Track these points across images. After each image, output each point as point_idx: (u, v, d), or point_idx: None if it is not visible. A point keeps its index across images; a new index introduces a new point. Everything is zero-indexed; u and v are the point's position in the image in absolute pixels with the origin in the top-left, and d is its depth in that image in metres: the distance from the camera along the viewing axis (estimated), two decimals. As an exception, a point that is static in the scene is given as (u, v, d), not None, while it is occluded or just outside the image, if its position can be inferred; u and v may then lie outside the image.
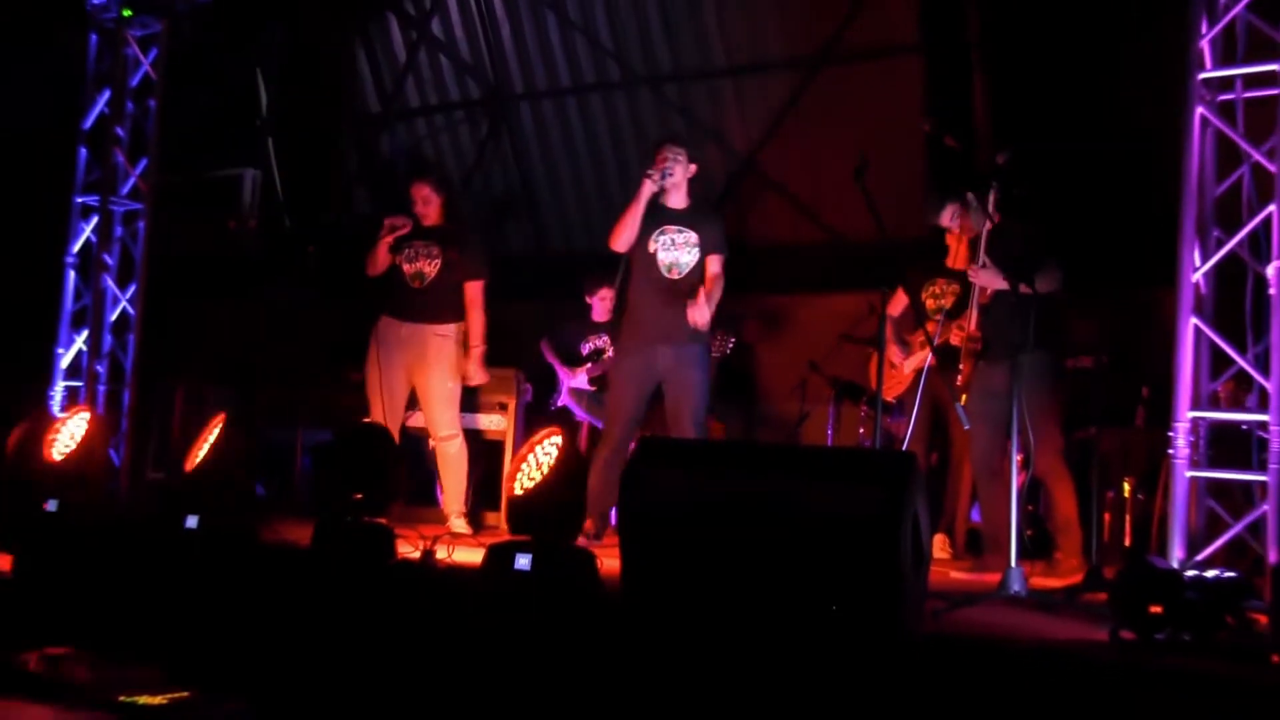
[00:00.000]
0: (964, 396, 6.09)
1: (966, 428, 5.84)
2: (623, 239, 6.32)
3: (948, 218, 6.37)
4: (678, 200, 6.43)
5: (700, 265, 6.35)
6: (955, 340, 6.22)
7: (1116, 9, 7.89)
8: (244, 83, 11.47)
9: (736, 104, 9.69)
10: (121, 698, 3.39)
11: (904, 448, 6.49)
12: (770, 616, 3.94)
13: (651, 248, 6.34)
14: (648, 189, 6.25)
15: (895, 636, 3.83)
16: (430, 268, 6.97)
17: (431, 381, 6.91)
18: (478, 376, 7.02)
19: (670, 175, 6.31)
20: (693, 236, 6.34)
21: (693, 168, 6.46)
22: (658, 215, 6.36)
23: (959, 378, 6.13)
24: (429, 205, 7.04)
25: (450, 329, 6.94)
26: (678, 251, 6.33)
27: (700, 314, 6.18)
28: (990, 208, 5.78)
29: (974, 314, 6.01)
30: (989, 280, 5.87)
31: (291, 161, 11.63)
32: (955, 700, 3.62)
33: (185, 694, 3.49)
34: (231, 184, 10.28)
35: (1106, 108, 7.96)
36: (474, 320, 6.97)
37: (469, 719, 4.27)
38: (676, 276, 6.32)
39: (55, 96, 9.00)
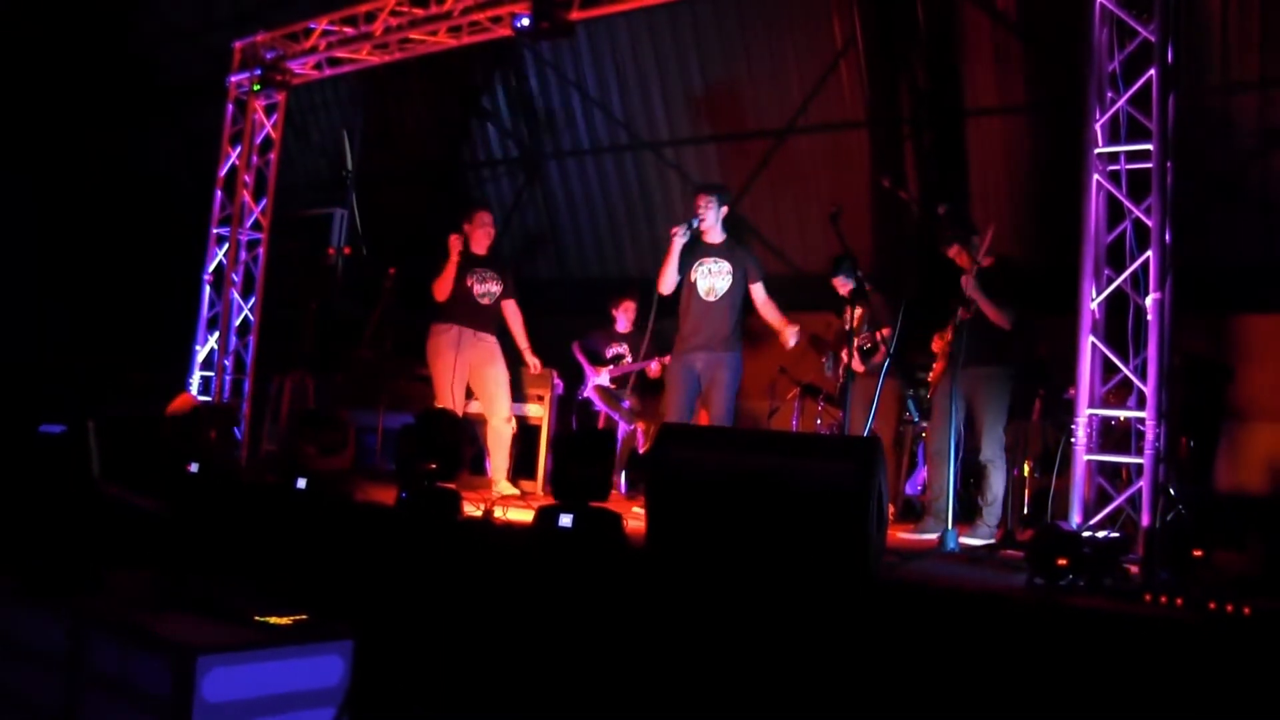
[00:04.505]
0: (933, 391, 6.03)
1: (916, 420, 5.79)
2: (664, 283, 6.23)
3: (954, 251, 6.09)
4: (714, 237, 6.30)
5: (733, 288, 6.18)
6: (935, 347, 6.15)
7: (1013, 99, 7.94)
8: (335, 143, 11.42)
9: (719, 164, 9.64)
10: (257, 617, 3.36)
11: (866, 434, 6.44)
12: (765, 564, 3.94)
13: (693, 276, 6.23)
14: (676, 242, 6.16)
15: (862, 581, 3.84)
16: (497, 289, 6.96)
17: (499, 376, 6.89)
18: (535, 366, 7.12)
19: (701, 220, 6.22)
20: (726, 265, 6.21)
21: (724, 210, 6.33)
22: (698, 250, 6.26)
23: (930, 375, 6.07)
24: (487, 231, 6.96)
25: (514, 345, 7.03)
26: (714, 278, 6.20)
27: (792, 335, 6.18)
28: (981, 253, 5.73)
29: (951, 328, 5.91)
30: (973, 290, 5.75)
31: (369, 204, 11.58)
32: (910, 630, 3.63)
33: (303, 615, 3.45)
34: (324, 221, 10.20)
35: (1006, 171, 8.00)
36: (521, 328, 7.03)
37: (522, 644, 4.25)
38: (713, 299, 6.18)
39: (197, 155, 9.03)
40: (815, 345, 7.72)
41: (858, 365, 6.68)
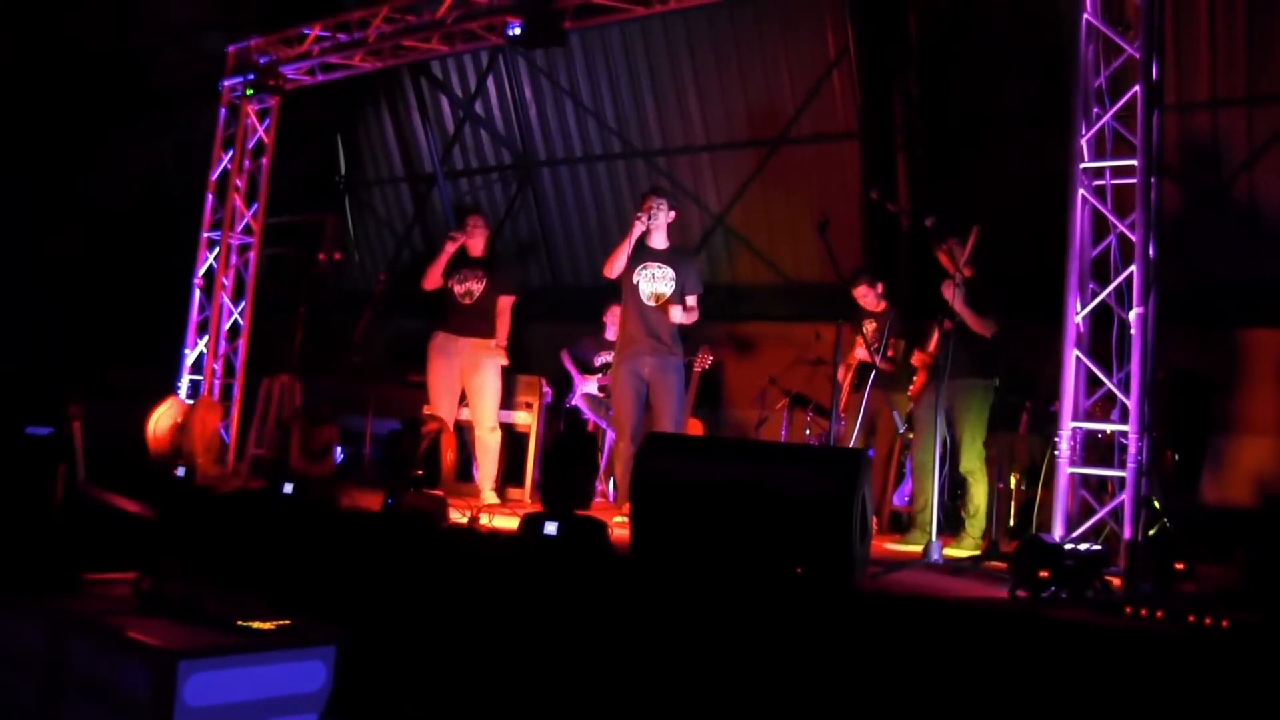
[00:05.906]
0: (910, 404, 6.05)
1: (902, 431, 5.79)
2: (613, 268, 6.22)
3: (943, 252, 6.08)
4: (659, 241, 6.31)
5: (674, 295, 6.22)
6: (915, 360, 6.15)
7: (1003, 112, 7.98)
8: (327, 148, 11.43)
9: (712, 173, 9.66)
10: (240, 621, 3.36)
11: (850, 445, 6.44)
12: (749, 574, 3.95)
13: (635, 279, 6.24)
14: (637, 229, 6.17)
15: (846, 591, 3.85)
16: (477, 288, 6.91)
17: (485, 385, 6.83)
18: (493, 348, 6.88)
19: (654, 219, 6.21)
20: (670, 272, 6.24)
21: (672, 214, 6.34)
22: (642, 253, 6.25)
23: (911, 388, 6.07)
24: (477, 232, 6.95)
25: (493, 341, 6.87)
26: (656, 284, 6.23)
27: (675, 315, 6.19)
28: (963, 261, 5.75)
29: (934, 339, 5.92)
30: (954, 298, 5.76)
31: (361, 209, 11.61)
32: (892, 641, 3.63)
33: (285, 621, 3.45)
34: (316, 226, 10.18)
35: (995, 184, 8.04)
36: (502, 325, 6.90)
37: (507, 649, 4.26)
38: (654, 304, 6.23)
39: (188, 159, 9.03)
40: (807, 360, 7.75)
41: (885, 365, 6.62)
